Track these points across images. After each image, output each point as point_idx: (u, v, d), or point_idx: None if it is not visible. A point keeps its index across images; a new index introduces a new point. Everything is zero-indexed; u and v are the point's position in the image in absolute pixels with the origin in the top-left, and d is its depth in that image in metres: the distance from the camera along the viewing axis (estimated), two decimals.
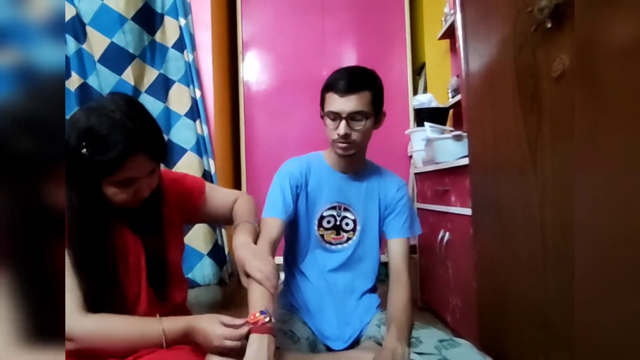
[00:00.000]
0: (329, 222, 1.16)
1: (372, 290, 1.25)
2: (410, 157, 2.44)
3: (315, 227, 1.16)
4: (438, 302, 1.63)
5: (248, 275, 0.91)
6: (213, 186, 1.09)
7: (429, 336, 1.02)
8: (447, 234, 1.45)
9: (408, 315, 1.07)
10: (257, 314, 0.85)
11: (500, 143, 0.92)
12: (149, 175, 0.78)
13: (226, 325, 0.81)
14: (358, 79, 1.04)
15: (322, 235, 1.16)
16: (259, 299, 0.89)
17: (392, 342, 0.96)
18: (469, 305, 1.29)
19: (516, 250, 0.87)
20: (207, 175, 2.01)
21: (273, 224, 1.06)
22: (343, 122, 1.02)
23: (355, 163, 1.16)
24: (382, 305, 1.21)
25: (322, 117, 1.11)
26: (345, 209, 1.17)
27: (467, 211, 1.24)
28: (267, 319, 0.84)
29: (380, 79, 1.09)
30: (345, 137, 1.03)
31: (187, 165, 1.98)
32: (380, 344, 1.06)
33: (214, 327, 0.80)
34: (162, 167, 1.91)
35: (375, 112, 1.07)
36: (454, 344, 0.98)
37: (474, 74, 1.05)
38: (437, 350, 0.96)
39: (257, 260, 0.91)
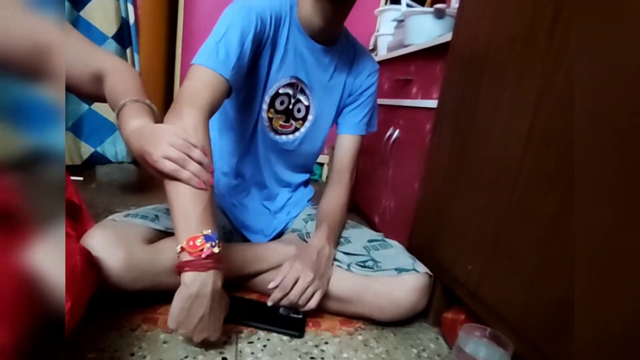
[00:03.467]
0: (282, 103, 0.89)
1: (306, 183, 1.09)
2: (372, 50, 2.16)
3: (266, 107, 0.88)
4: (369, 203, 1.55)
5: (162, 173, 0.61)
6: (70, 27, 0.72)
7: (359, 236, 0.90)
8: (397, 131, 1.29)
9: (342, 217, 0.93)
10: (200, 240, 0.59)
11: (505, 12, 0.70)
12: None
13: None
14: None
15: (271, 119, 0.90)
16: (192, 212, 0.60)
17: (320, 240, 0.82)
18: (403, 207, 1.19)
19: (483, 159, 0.71)
20: (124, 25, 1.54)
21: (212, 81, 0.71)
22: None
23: (337, 23, 0.85)
24: (315, 199, 1.07)
25: None
26: (302, 91, 0.90)
27: (428, 103, 1.06)
28: (215, 249, 0.60)
29: None
30: None
31: (101, 8, 1.48)
32: (303, 239, 0.93)
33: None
34: (66, 5, 1.46)
35: None
36: (385, 245, 0.87)
37: None
38: (366, 251, 0.85)
39: (164, 144, 0.60)
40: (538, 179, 0.58)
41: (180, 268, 0.59)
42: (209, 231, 0.60)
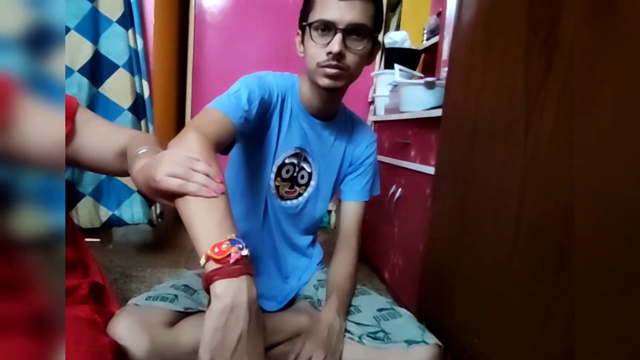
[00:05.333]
0: (287, 171, 0.97)
1: (313, 242, 1.13)
2: (371, 102, 2.26)
3: (273, 176, 0.95)
4: (378, 256, 1.58)
5: (170, 196, 0.58)
6: (93, 115, 0.80)
7: (369, 305, 0.93)
8: (400, 190, 1.34)
9: (351, 285, 0.96)
10: (225, 245, 0.52)
11: (487, 95, 0.77)
12: None
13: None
14: None
15: (278, 187, 0.97)
16: (210, 220, 0.55)
17: (330, 314, 0.85)
18: (410, 266, 1.22)
19: (480, 225, 0.76)
20: (139, 99, 1.68)
21: (221, 120, 0.73)
22: (338, 36, 0.77)
23: (333, 104, 0.94)
24: (325, 260, 1.11)
25: (302, 30, 0.85)
26: (305, 159, 0.98)
27: (427, 169, 1.12)
28: (243, 252, 0.53)
29: None
30: (339, 57, 0.79)
31: (118, 85, 1.63)
32: (315, 307, 0.97)
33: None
34: (86, 82, 1.60)
35: (374, 36, 0.84)
36: (394, 314, 0.90)
37: (469, 5, 0.86)
38: (376, 321, 0.87)
39: (164, 163, 0.57)
40: (532, 253, 0.62)
41: (208, 279, 0.51)
42: (233, 235, 0.54)
